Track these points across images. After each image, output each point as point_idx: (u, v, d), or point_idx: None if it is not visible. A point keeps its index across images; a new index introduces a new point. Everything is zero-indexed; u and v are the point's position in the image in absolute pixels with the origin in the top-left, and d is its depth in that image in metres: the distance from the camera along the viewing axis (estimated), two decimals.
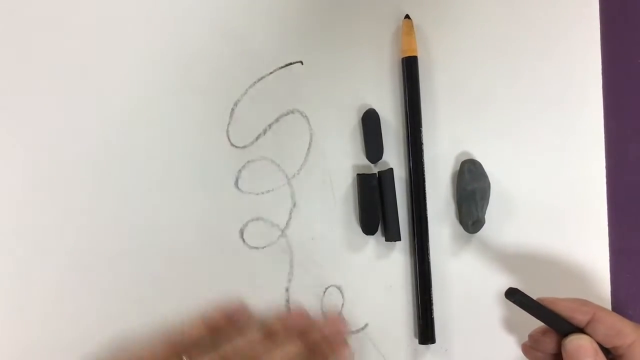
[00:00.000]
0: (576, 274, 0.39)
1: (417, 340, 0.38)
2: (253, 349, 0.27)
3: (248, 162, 0.39)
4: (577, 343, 0.29)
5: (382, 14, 0.40)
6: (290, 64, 0.39)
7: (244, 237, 0.39)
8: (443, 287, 0.38)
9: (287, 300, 0.38)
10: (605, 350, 0.30)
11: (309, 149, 0.39)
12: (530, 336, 0.33)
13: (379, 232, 0.38)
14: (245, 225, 0.39)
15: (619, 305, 0.39)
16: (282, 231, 0.39)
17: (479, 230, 0.38)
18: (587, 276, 0.39)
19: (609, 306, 0.39)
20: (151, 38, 0.39)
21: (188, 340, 0.28)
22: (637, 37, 0.41)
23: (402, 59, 0.39)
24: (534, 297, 0.31)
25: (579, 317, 0.30)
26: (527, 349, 0.33)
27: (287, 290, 0.38)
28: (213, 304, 0.30)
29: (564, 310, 0.30)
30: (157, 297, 0.38)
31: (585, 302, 0.31)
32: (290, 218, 0.39)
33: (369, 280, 0.39)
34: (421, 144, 0.38)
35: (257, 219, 0.39)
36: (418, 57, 0.39)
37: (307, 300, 0.38)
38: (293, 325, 0.29)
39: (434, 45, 0.40)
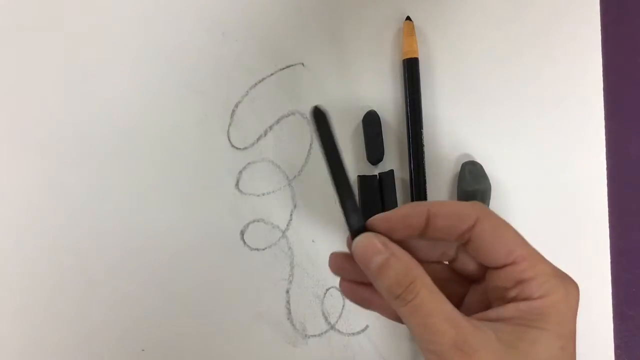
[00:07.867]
0: (576, 274, 0.39)
1: None
2: None
3: (249, 163, 0.39)
4: (363, 243, 0.26)
5: (383, 16, 0.40)
6: (291, 65, 0.39)
7: (245, 238, 0.39)
8: None
9: (288, 302, 0.38)
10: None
11: (309, 150, 0.39)
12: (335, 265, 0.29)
13: None
14: (246, 226, 0.39)
15: (619, 305, 0.39)
16: (283, 233, 0.39)
17: None
18: (587, 276, 0.39)
19: (609, 306, 0.39)
20: (152, 39, 0.39)
21: None
22: (638, 37, 0.40)
23: (403, 60, 0.39)
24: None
25: (415, 221, 0.26)
26: (347, 287, 0.30)
27: (287, 291, 0.38)
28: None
29: (400, 221, 0.26)
30: (158, 298, 0.38)
31: (417, 204, 0.27)
32: (290, 219, 0.39)
33: None
34: (422, 145, 0.38)
35: (258, 220, 0.39)
36: (419, 58, 0.39)
37: (308, 301, 0.38)
38: None
39: (435, 47, 0.39)
